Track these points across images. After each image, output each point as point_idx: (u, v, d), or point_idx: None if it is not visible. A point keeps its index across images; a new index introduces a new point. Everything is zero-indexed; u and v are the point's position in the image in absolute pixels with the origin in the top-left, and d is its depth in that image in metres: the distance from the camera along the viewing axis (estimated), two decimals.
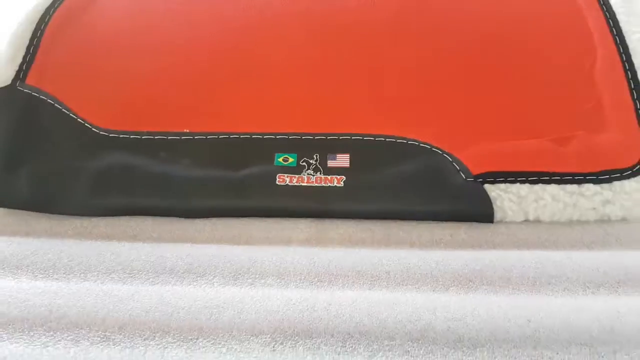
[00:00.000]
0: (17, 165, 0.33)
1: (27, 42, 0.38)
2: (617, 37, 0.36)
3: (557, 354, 0.24)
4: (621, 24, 0.36)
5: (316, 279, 0.27)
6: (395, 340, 0.24)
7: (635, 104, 0.33)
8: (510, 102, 0.34)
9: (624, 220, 0.30)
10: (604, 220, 0.31)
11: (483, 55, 0.35)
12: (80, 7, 0.40)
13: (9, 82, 0.36)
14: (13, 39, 0.38)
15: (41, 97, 0.35)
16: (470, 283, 0.27)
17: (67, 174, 0.33)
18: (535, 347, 0.24)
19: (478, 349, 0.24)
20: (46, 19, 0.39)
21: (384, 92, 0.35)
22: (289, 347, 0.23)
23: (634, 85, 0.34)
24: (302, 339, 0.24)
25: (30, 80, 0.36)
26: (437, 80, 0.35)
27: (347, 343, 0.23)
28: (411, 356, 0.23)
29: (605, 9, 0.37)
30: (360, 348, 0.23)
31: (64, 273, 0.28)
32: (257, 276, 0.27)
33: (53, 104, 0.35)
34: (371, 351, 0.23)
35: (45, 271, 0.28)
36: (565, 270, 0.28)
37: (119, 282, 0.27)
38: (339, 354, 0.23)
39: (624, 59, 0.35)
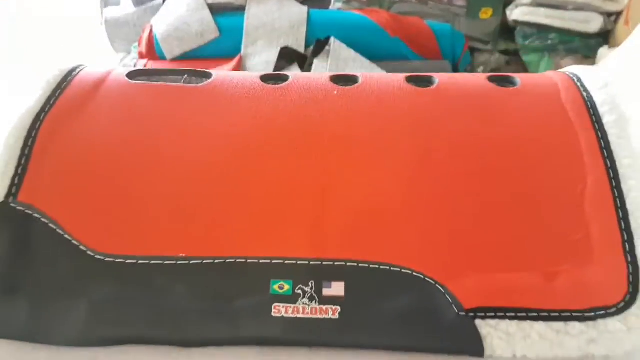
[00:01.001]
0: (12, 290, 0.33)
1: (18, 153, 0.37)
2: (607, 160, 0.36)
3: None
4: (612, 146, 0.36)
5: None
6: None
7: (623, 236, 0.34)
8: (500, 230, 0.34)
9: (606, 358, 0.32)
10: (588, 358, 0.32)
11: (474, 181, 0.36)
12: (70, 113, 0.39)
13: (1, 199, 0.36)
14: (3, 151, 0.37)
15: (35, 215, 0.35)
16: None
17: (63, 302, 0.33)
18: None
19: None
20: (37, 126, 0.38)
21: (378, 216, 0.35)
22: None
23: (622, 215, 0.34)
24: None
25: (23, 196, 0.36)
26: (428, 206, 0.35)
27: None
28: None
29: (597, 127, 0.37)
30: None
31: None
32: None
33: (47, 224, 0.35)
34: None
35: None
36: None
37: None
38: None
39: (614, 184, 0.35)
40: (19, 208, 0.35)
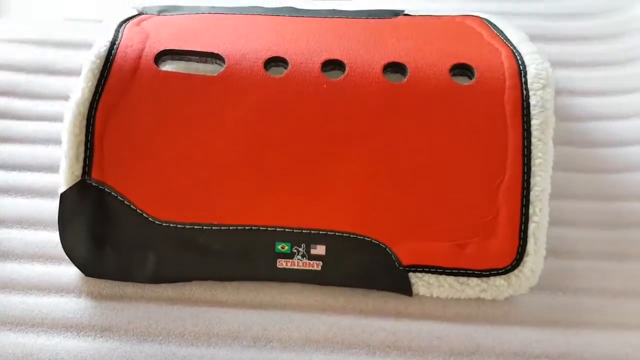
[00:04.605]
0: (102, 245, 0.50)
1: (83, 139, 0.49)
2: (525, 158, 0.48)
3: None
4: (532, 146, 0.48)
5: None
6: None
7: (521, 219, 0.48)
8: (431, 213, 0.48)
9: (493, 300, 0.49)
10: (480, 299, 0.49)
11: (417, 175, 0.49)
12: (115, 102, 0.50)
13: (80, 178, 0.49)
14: (72, 138, 0.49)
15: (106, 190, 0.49)
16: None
17: (137, 253, 0.49)
18: None
19: None
20: (93, 114, 0.50)
21: (348, 201, 0.49)
22: None
23: (525, 202, 0.48)
24: None
25: (95, 174, 0.49)
26: (382, 192, 0.49)
27: None
28: None
29: (525, 127, 0.48)
30: None
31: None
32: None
33: (117, 197, 0.49)
34: None
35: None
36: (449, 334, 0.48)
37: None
38: None
39: (525, 178, 0.48)
40: (94, 184, 0.49)
